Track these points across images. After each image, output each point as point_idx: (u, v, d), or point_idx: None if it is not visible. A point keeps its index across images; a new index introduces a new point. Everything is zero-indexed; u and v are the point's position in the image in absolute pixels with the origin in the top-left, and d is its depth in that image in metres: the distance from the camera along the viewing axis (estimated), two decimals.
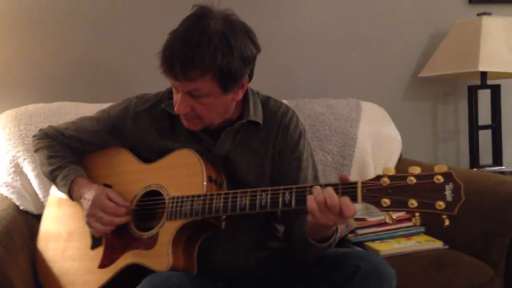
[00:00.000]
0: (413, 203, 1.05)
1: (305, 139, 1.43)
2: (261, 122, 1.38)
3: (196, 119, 1.31)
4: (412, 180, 1.07)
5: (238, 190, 1.23)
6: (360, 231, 1.76)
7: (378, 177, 1.09)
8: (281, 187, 1.19)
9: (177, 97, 1.28)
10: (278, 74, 2.30)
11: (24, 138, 1.78)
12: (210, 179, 1.30)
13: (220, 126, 1.36)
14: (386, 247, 1.67)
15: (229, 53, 1.21)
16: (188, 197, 1.27)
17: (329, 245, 1.23)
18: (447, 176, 1.06)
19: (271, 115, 1.41)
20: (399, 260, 1.60)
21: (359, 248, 1.70)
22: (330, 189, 1.10)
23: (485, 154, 2.52)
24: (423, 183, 1.06)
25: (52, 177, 1.44)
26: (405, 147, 2.26)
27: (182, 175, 1.33)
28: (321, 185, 1.14)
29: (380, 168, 2.12)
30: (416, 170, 1.09)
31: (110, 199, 1.32)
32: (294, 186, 1.17)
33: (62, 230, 1.45)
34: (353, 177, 2.07)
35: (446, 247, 1.73)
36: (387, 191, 1.08)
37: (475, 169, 2.34)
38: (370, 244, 1.72)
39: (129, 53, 2.12)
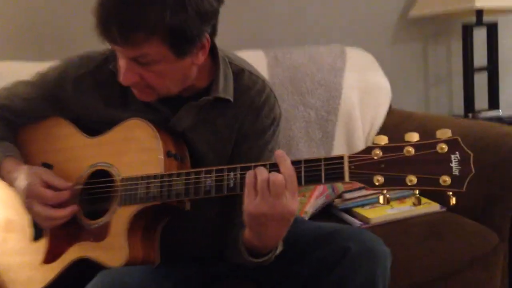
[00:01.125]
0: (411, 179, 0.86)
1: (278, 128, 1.20)
2: (231, 99, 1.15)
3: (147, 89, 1.08)
4: (410, 151, 0.87)
5: (202, 168, 1.02)
6: (347, 195, 1.58)
7: (369, 149, 0.89)
8: (253, 163, 0.98)
9: (122, 63, 1.04)
10: (251, 20, 2.03)
11: None
12: (168, 154, 1.09)
13: (184, 95, 1.13)
14: (377, 214, 1.49)
15: (181, 9, 0.96)
16: (142, 178, 1.06)
17: (257, 262, 1.04)
18: (453, 143, 0.87)
19: (243, 92, 1.17)
20: (392, 228, 1.43)
21: (347, 215, 1.53)
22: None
23: (481, 98, 2.33)
24: (424, 154, 0.86)
25: None
26: (394, 95, 2.05)
27: (134, 150, 1.11)
28: (299, 161, 0.93)
29: (368, 122, 1.92)
30: (414, 137, 0.89)
31: (47, 184, 1.10)
32: (268, 163, 0.96)
33: (0, 217, 1.24)
34: (339, 133, 1.88)
35: (444, 209, 1.56)
36: (380, 166, 0.88)
37: (472, 119, 2.15)
38: (359, 210, 1.54)
39: (77, 3, 1.83)
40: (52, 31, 1.82)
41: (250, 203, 0.93)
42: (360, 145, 1.88)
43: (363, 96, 1.93)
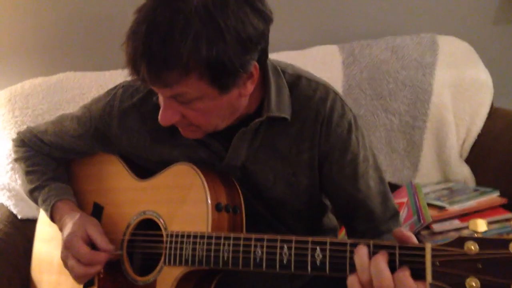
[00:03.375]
0: None
1: (358, 131, 1.01)
2: (288, 117, 0.98)
3: (192, 127, 0.94)
4: None
5: (252, 235, 0.87)
6: (437, 227, 1.35)
7: (461, 241, 0.69)
8: (310, 238, 0.81)
9: (160, 100, 0.91)
10: (324, 11, 1.77)
11: (20, 126, 1.50)
12: (217, 208, 0.95)
13: (234, 122, 0.98)
14: None
15: (218, 38, 0.80)
16: (189, 236, 0.94)
17: None
18: None
19: (303, 103, 1.00)
20: None
21: None
22: (380, 261, 0.71)
23: None
24: None
25: (33, 199, 1.16)
26: (497, 89, 1.73)
27: (181, 200, 0.99)
28: (368, 245, 0.74)
29: (465, 127, 1.64)
30: None
31: (89, 239, 1.02)
32: (328, 240, 0.79)
33: (55, 258, 1.18)
34: (428, 142, 1.62)
35: None
36: (476, 265, 0.67)
37: None
38: None
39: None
40: (114, 39, 1.72)
41: None
42: (454, 156, 1.62)
43: (458, 95, 1.65)
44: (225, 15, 0.79)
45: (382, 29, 1.77)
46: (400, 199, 1.50)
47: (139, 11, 0.83)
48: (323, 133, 0.99)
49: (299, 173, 1.02)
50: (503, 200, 1.38)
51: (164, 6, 0.80)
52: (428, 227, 1.35)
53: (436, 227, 1.34)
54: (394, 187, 1.59)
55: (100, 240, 1.02)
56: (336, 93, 1.02)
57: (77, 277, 1.02)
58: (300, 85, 1.01)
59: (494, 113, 1.68)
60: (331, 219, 1.22)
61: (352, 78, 1.61)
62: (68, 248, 1.01)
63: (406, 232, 0.73)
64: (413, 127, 1.61)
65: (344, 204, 1.04)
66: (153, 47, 0.79)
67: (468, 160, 1.65)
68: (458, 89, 1.65)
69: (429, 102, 1.62)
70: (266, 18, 0.86)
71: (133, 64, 0.83)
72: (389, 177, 1.60)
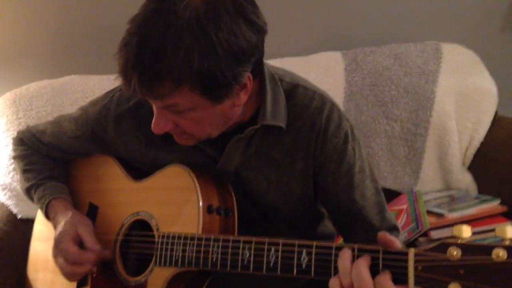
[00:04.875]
0: None
1: (355, 141, 1.01)
2: (283, 125, 0.98)
3: (186, 134, 0.94)
4: (501, 255, 0.64)
5: (241, 238, 0.88)
6: (435, 234, 1.34)
7: (444, 246, 0.68)
8: (296, 241, 0.81)
9: (154, 109, 0.91)
10: (328, 18, 1.77)
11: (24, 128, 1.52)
12: (209, 210, 0.96)
13: (229, 129, 0.98)
14: None
15: (210, 51, 0.79)
16: (180, 237, 0.95)
17: None
18: None
19: (299, 112, 0.99)
20: None
21: None
22: (361, 266, 0.71)
23: None
24: None
25: (29, 197, 1.18)
26: (502, 99, 1.71)
27: (173, 201, 1.00)
28: (352, 249, 0.74)
29: (467, 135, 1.63)
30: (508, 232, 0.65)
31: (79, 238, 1.02)
32: (314, 243, 0.79)
33: (50, 256, 1.19)
34: (430, 149, 1.61)
35: None
36: (458, 271, 0.66)
37: None
38: None
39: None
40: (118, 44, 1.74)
41: None
42: (456, 164, 1.60)
43: (461, 103, 1.64)
44: (217, 28, 0.79)
45: (386, 36, 1.76)
46: (400, 206, 1.49)
47: (132, 21, 0.83)
48: (319, 144, 0.98)
49: (293, 182, 1.02)
50: (503, 208, 1.37)
51: (156, 18, 0.79)
52: (426, 234, 1.34)
53: (434, 234, 1.33)
54: (395, 194, 1.58)
55: (89, 240, 1.02)
56: (333, 103, 1.01)
57: (65, 275, 1.03)
58: (297, 93, 1.00)
59: (497, 122, 1.67)
60: (327, 226, 1.22)
61: (354, 85, 1.61)
62: (57, 247, 1.03)
63: (390, 236, 0.73)
64: (415, 134, 1.60)
65: (341, 214, 1.03)
66: (145, 60, 0.79)
67: (471, 168, 1.63)
68: (462, 97, 1.64)
69: (431, 110, 1.60)
70: (260, 30, 0.85)
71: (125, 75, 0.83)
72: (390, 184, 1.59)
